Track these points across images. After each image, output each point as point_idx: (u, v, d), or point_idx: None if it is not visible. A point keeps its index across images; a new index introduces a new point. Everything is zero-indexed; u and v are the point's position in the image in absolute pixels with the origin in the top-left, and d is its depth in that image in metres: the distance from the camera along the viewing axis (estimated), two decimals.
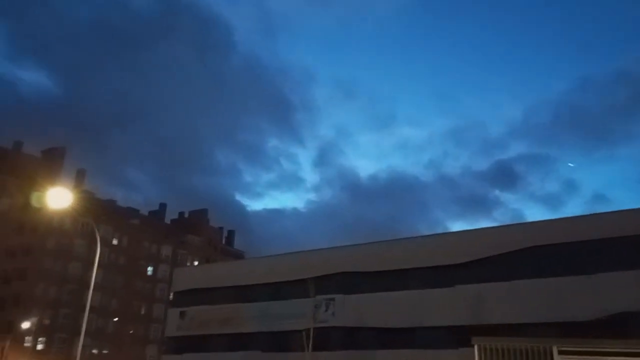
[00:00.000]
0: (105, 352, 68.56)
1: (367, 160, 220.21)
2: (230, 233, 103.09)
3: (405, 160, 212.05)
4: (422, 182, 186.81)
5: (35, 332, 57.11)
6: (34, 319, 55.77)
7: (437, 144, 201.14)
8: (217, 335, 36.38)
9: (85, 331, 24.27)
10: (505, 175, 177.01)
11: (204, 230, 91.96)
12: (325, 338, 29.94)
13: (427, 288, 28.98)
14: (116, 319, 71.99)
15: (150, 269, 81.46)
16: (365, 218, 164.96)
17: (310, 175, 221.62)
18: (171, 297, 45.85)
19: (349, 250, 33.78)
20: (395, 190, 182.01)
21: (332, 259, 33.48)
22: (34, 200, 54.33)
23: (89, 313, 24.73)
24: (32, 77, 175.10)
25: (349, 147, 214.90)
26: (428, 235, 33.96)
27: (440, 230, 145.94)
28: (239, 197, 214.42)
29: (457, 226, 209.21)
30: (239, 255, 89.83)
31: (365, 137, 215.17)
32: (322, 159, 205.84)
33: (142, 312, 77.87)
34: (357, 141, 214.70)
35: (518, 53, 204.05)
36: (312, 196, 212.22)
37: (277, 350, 32.59)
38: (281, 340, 32.72)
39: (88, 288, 25.41)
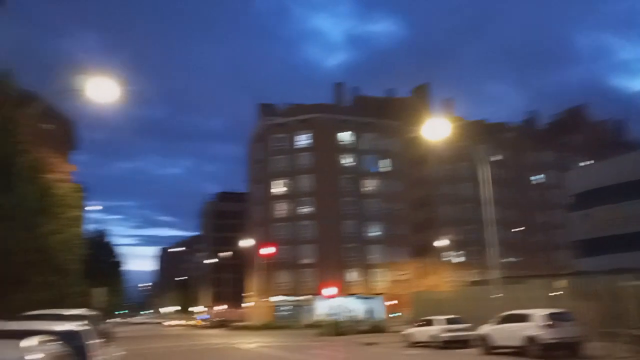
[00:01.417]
0: (514, 260, 72.55)
1: None
2: (618, 123, 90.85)
3: None
4: None
5: (450, 249, 65.26)
6: (447, 237, 63.61)
7: None
8: (630, 234, 33.38)
9: (492, 243, 26.38)
10: None
11: (585, 127, 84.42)
12: None
13: None
14: (517, 229, 74.87)
15: (536, 177, 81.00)
16: None
17: None
18: (569, 200, 44.36)
19: None
20: None
21: None
22: (418, 135, 60.93)
23: (491, 226, 26.73)
24: (381, 28, 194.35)
25: None
26: None
27: None
28: (617, 81, 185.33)
29: None
30: (634, 147, 78.56)
31: None
32: None
33: (540, 219, 78.47)
34: None
35: None
36: None
37: None
38: None
39: (483, 205, 27.42)
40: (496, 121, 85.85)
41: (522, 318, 18.10)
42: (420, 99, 79.79)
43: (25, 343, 2.71)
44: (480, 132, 73.06)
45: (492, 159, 77.26)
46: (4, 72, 15.29)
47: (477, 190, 70.13)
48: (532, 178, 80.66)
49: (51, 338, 3.34)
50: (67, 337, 5.53)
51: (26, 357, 2.59)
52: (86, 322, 8.25)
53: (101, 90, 16.27)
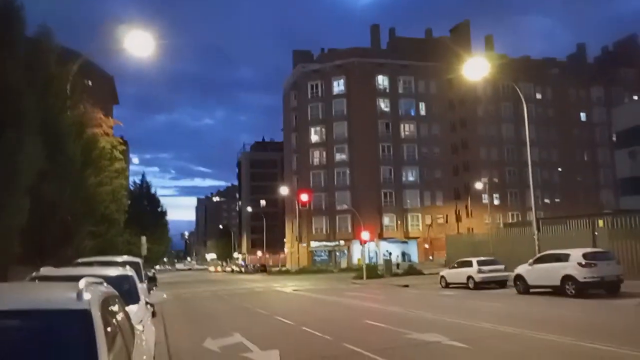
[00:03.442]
0: (556, 200, 71.12)
1: None
2: None
3: None
4: None
5: (488, 190, 64.39)
6: (485, 180, 62.77)
7: None
8: None
9: (533, 184, 25.90)
10: None
11: (636, 60, 79.68)
12: None
13: None
14: (560, 169, 73.00)
15: (582, 114, 78.17)
16: None
17: None
18: (614, 138, 42.73)
19: None
20: None
21: None
22: (457, 76, 59.24)
23: (532, 167, 26.18)
24: None
25: None
26: None
27: None
28: None
29: None
30: None
31: None
32: None
33: (585, 159, 76.26)
34: None
35: None
36: None
37: None
38: None
39: (524, 145, 26.75)
40: (541, 57, 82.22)
41: (559, 258, 17.95)
42: (459, 38, 76.78)
43: (74, 285, 2.95)
44: (524, 70, 70.11)
45: (536, 97, 74.75)
46: (44, 31, 15.47)
47: (518, 131, 68.69)
48: (579, 115, 77.84)
49: (99, 281, 3.63)
50: (115, 281, 5.93)
51: (74, 297, 2.82)
52: (133, 267, 8.76)
53: (138, 44, 16.49)
